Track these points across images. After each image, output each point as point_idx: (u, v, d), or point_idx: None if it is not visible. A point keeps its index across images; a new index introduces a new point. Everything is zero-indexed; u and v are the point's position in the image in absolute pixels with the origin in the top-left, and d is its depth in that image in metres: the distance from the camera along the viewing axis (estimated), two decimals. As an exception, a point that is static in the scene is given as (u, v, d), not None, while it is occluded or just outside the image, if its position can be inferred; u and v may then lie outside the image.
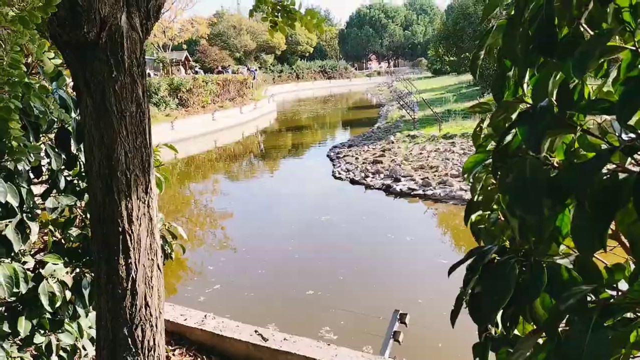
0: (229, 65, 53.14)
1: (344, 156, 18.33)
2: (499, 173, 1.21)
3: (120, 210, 2.20)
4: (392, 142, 19.51)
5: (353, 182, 14.87)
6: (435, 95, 36.52)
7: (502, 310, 1.29)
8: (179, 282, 8.58)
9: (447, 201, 11.97)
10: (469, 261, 1.43)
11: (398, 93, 37.77)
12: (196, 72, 41.01)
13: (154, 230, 2.34)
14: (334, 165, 17.40)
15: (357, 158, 17.67)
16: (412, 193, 12.97)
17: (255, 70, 52.30)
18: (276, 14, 2.52)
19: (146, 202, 2.28)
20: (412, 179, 13.93)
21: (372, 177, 14.77)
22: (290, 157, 22.02)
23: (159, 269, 2.39)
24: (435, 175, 13.92)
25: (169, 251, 3.73)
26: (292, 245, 9.95)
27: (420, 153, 16.93)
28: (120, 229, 2.21)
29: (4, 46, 1.83)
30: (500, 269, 1.23)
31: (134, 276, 2.26)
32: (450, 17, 35.94)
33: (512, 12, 1.30)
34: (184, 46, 49.61)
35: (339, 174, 15.83)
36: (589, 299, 1.01)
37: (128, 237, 2.23)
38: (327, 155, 19.51)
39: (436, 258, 8.77)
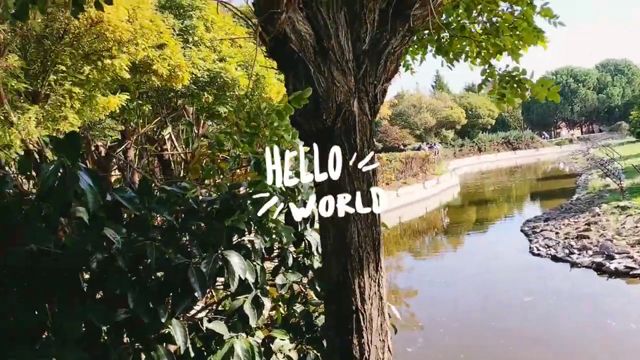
0: (427, 143, 54.16)
1: (541, 230, 16.82)
2: None
3: (353, 288, 2.21)
4: (598, 215, 17.38)
5: (555, 259, 13.48)
6: (645, 160, 32.15)
7: None
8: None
9: (680, 283, 10.05)
10: None
11: (597, 160, 34.19)
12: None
13: (384, 310, 2.30)
14: (530, 240, 16.06)
15: (557, 233, 16.07)
16: (630, 272, 11.25)
17: (436, 145, 52.41)
18: (504, 85, 2.45)
19: (377, 281, 2.27)
20: (629, 256, 12.09)
21: (578, 254, 13.22)
22: (477, 232, 20.96)
23: (389, 351, 2.32)
24: (659, 253, 11.91)
25: (381, 331, 3.66)
26: (494, 330, 9.16)
27: (636, 227, 14.73)
28: (353, 308, 2.21)
29: (261, 136, 2.04)
30: None
31: (367, 357, 2.22)
32: (656, 74, 32.04)
33: None
34: (367, 128, 52.12)
35: (538, 250, 14.51)
36: None
37: (361, 316, 2.22)
38: (522, 230, 18.13)
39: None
